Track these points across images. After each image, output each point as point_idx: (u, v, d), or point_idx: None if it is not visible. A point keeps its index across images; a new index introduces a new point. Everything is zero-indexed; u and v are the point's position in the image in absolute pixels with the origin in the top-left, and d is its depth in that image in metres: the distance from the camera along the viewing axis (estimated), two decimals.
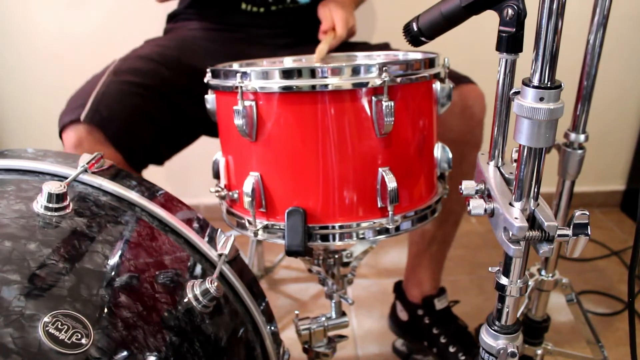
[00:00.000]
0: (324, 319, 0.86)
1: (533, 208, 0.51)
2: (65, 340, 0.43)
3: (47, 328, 0.43)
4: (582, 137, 0.85)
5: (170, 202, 0.68)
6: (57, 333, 0.43)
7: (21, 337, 0.41)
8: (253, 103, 0.68)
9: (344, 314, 0.87)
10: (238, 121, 0.68)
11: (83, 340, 0.44)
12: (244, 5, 1.12)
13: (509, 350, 0.56)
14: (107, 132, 0.87)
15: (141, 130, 0.93)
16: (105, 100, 0.89)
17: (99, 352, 0.45)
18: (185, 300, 0.57)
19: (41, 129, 1.73)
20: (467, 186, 0.56)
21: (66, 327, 0.44)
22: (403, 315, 1.24)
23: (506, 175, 0.55)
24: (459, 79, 1.01)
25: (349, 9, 1.08)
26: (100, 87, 0.91)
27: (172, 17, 1.22)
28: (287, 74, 0.66)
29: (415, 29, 0.55)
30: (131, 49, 1.08)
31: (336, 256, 0.84)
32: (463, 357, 1.11)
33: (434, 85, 0.75)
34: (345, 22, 1.04)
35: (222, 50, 1.10)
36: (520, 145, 0.49)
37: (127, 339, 0.47)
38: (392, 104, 0.65)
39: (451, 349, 1.13)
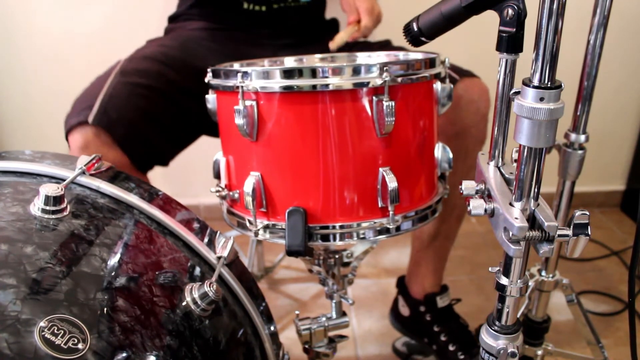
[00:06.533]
0: (324, 319, 0.85)
1: (533, 208, 0.51)
2: (62, 345, 0.42)
3: (43, 333, 0.42)
4: (582, 137, 0.85)
5: (169, 204, 0.68)
6: (53, 338, 0.42)
7: (16, 342, 0.41)
8: (254, 103, 0.67)
9: (344, 314, 0.87)
10: (239, 121, 0.67)
11: (79, 345, 0.43)
12: (245, 5, 1.12)
13: (509, 351, 0.56)
14: (114, 134, 0.87)
15: (147, 132, 0.93)
16: (113, 102, 0.89)
17: (96, 357, 0.44)
18: (184, 303, 0.57)
19: (42, 129, 1.73)
20: (467, 186, 0.55)
21: (62, 331, 0.43)
22: (405, 310, 1.23)
23: (506, 175, 0.55)
24: (462, 73, 1.01)
25: None
26: (107, 88, 0.91)
27: (173, 19, 1.22)
28: (288, 73, 0.66)
29: (416, 29, 0.55)
30: (133, 50, 1.07)
31: (336, 256, 0.83)
32: (462, 357, 1.11)
33: (434, 85, 0.75)
34: (370, 11, 1.02)
35: (224, 50, 1.10)
36: (520, 145, 0.48)
37: (124, 343, 0.47)
38: (393, 103, 0.65)
39: (451, 347, 1.13)
